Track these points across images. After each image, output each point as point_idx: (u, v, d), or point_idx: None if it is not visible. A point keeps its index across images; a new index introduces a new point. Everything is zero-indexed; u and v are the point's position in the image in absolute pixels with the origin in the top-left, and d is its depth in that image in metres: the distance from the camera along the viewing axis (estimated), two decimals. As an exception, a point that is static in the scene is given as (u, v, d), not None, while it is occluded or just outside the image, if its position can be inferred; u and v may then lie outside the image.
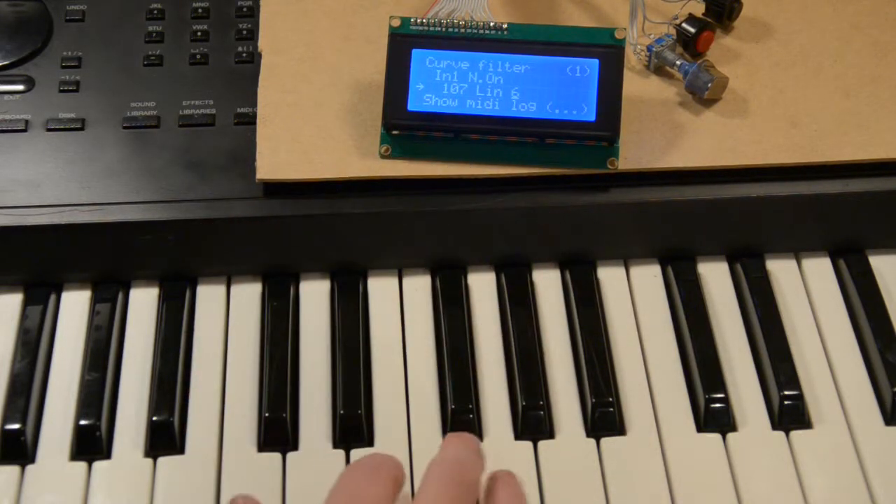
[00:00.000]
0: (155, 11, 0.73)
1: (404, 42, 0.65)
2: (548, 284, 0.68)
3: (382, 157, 0.66)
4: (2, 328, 0.65)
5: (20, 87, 0.70)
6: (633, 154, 0.66)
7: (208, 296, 0.67)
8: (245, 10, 0.74)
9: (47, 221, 0.64)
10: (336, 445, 0.62)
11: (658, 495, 0.60)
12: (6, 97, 0.69)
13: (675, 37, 0.70)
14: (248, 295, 0.67)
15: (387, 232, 0.67)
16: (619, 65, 0.64)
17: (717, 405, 0.63)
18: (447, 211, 0.66)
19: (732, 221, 0.68)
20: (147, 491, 0.60)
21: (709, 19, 0.71)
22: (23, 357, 0.64)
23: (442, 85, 0.65)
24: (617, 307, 0.67)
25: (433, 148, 0.66)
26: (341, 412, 0.62)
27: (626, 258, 0.69)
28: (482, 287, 0.68)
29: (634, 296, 0.68)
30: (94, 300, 0.66)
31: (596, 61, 0.64)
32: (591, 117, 0.64)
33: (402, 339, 0.66)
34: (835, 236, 0.69)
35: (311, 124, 0.67)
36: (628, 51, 0.70)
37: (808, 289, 0.68)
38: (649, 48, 0.70)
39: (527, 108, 0.64)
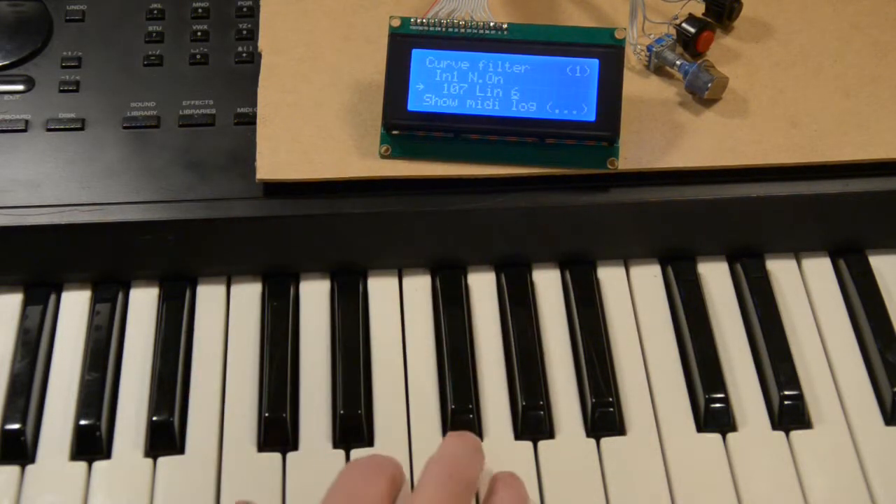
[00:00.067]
0: (155, 11, 0.73)
1: (404, 42, 0.65)
2: (548, 284, 0.68)
3: (382, 157, 0.66)
4: (2, 328, 0.65)
5: (20, 87, 0.70)
6: (633, 154, 0.66)
7: (208, 296, 0.67)
8: (245, 10, 0.74)
9: (47, 221, 0.64)
10: (336, 445, 0.62)
11: (658, 495, 0.60)
12: (6, 97, 0.69)
13: (675, 37, 0.70)
14: (248, 295, 0.67)
15: (387, 232, 0.67)
16: (619, 65, 0.64)
17: (717, 405, 0.63)
18: (447, 211, 0.66)
19: (732, 221, 0.68)
20: (147, 491, 0.60)
21: (709, 19, 0.71)
22: (23, 357, 0.64)
23: (442, 85, 0.65)
24: (617, 307, 0.67)
25: (433, 148, 0.66)
26: (341, 412, 0.62)
27: (626, 258, 0.69)
28: (482, 287, 0.68)
29: (634, 296, 0.68)
30: (94, 300, 0.66)
31: (596, 61, 0.64)
32: (591, 117, 0.64)
33: (402, 339, 0.66)
34: (835, 236, 0.69)
35: (311, 124, 0.67)
36: (628, 51, 0.70)
37: (808, 289, 0.68)
38: (649, 48, 0.70)
39: (527, 108, 0.64)
